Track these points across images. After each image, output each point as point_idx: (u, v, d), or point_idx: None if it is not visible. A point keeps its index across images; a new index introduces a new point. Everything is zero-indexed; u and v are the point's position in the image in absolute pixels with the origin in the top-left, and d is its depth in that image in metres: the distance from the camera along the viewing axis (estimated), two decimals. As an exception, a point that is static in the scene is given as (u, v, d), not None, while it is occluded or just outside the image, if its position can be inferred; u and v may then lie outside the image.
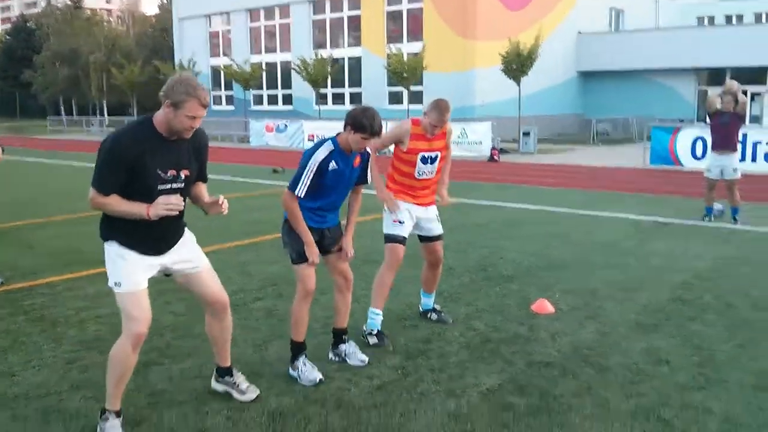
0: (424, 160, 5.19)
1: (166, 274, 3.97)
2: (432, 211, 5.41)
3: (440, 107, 5.11)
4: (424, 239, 5.47)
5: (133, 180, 3.50)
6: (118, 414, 3.73)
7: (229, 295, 6.23)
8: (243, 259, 7.86)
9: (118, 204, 3.56)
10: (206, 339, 5.10)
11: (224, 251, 8.27)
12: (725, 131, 10.01)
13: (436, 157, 5.23)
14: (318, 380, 4.35)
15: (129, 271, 3.67)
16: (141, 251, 3.70)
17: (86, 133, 44.45)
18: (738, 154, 10.22)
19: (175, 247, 3.86)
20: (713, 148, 10.26)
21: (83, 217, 10.75)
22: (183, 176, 3.70)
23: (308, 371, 4.41)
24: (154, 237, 3.72)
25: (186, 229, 3.98)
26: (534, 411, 3.94)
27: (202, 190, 4.02)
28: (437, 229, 5.42)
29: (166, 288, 6.52)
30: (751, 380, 4.35)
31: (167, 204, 3.54)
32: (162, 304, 6.06)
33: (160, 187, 3.59)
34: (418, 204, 5.30)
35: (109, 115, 56.52)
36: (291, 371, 4.47)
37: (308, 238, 4.38)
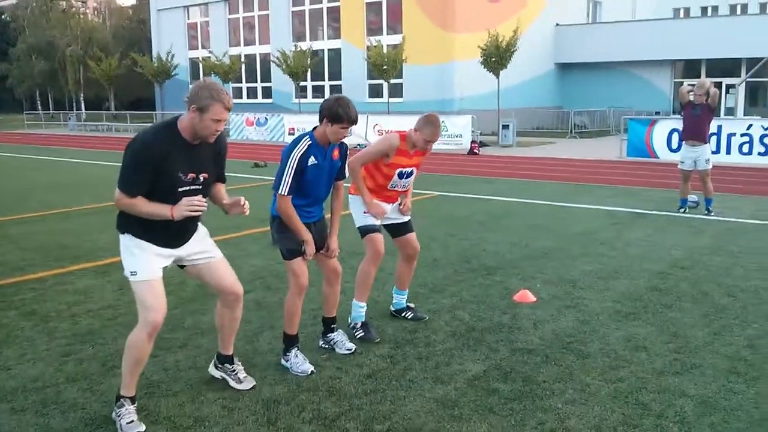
0: (401, 175, 5.16)
1: (180, 265, 4.10)
2: (396, 204, 5.38)
3: (434, 122, 5.03)
4: (395, 233, 5.43)
5: (155, 181, 3.63)
6: (132, 400, 3.85)
7: (219, 287, 6.36)
8: (227, 253, 7.83)
9: (143, 205, 3.68)
10: (197, 331, 5.24)
11: (210, 245, 8.35)
12: (696, 122, 10.24)
13: (412, 172, 5.21)
14: (310, 372, 4.48)
15: (145, 261, 3.78)
16: (157, 244, 3.82)
17: (64, 127, 44.03)
18: (709, 146, 10.44)
19: (189, 241, 4.00)
20: (684, 138, 10.49)
21: (65, 212, 10.78)
22: (202, 179, 3.83)
23: (300, 363, 4.54)
24: (171, 233, 3.84)
25: (199, 224, 4.12)
26: (518, 396, 4.10)
27: (221, 190, 4.18)
28: (404, 216, 5.37)
29: (156, 282, 6.62)
30: (725, 365, 4.54)
31: (191, 205, 3.67)
32: (152, 297, 6.15)
33: (180, 189, 3.71)
34: (383, 201, 5.29)
35: (86, 109, 56.03)
36: (283, 362, 4.60)
37: (307, 236, 4.49)
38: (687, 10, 52.61)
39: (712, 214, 10.18)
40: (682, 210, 10.50)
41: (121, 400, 3.82)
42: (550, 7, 34.93)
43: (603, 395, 4.11)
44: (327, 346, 4.91)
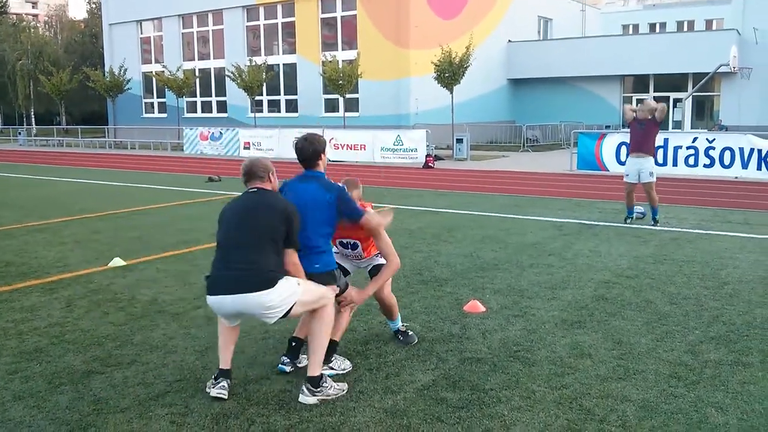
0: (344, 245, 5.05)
1: None
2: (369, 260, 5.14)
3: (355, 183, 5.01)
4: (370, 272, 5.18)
5: None
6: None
7: (169, 304, 6.37)
8: (180, 268, 7.90)
9: None
10: (146, 348, 5.19)
11: (160, 260, 8.29)
12: (642, 135, 10.52)
13: (356, 244, 4.99)
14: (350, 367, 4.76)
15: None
16: None
17: (13, 142, 43.08)
18: (653, 159, 10.70)
19: None
20: (630, 150, 10.78)
21: (10, 230, 10.57)
22: None
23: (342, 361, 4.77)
24: None
25: None
26: (466, 404, 4.17)
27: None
28: (374, 261, 5.10)
29: (104, 299, 6.56)
30: (666, 370, 4.69)
31: None
32: (100, 314, 6.09)
33: None
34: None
35: (37, 123, 54.92)
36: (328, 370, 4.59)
37: None
38: (636, 27, 54.11)
39: (658, 224, 10.46)
40: (629, 220, 10.77)
41: (323, 377, 4.28)
42: (503, 25, 35.54)
43: (548, 401, 4.20)
44: (289, 368, 4.78)
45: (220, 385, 4.29)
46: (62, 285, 7.14)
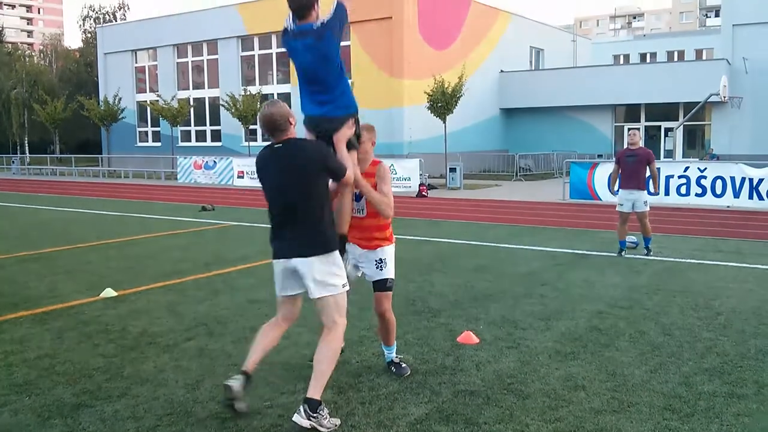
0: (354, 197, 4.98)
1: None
2: (374, 254, 5.11)
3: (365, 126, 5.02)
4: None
5: None
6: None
7: (159, 336, 6.32)
8: (170, 299, 7.85)
9: None
10: (137, 381, 5.14)
11: (151, 291, 8.24)
12: (632, 169, 10.57)
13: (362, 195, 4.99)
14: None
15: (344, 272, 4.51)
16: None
17: (7, 171, 43.03)
18: (646, 191, 10.73)
19: None
20: (622, 186, 10.76)
21: (0, 259, 10.51)
22: None
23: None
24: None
25: None
26: (459, 438, 4.13)
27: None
28: (376, 274, 5.11)
29: (94, 330, 6.51)
30: (661, 402, 4.66)
31: None
32: (91, 346, 6.03)
33: None
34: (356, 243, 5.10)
35: (30, 152, 54.93)
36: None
37: None
38: (626, 57, 54.76)
39: (651, 253, 10.48)
40: (623, 253, 10.71)
41: (321, 404, 4.21)
42: (495, 55, 35.90)
43: (542, 435, 4.17)
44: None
45: (236, 377, 4.35)
46: (53, 316, 7.08)
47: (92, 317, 7.03)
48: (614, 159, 11.18)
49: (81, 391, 4.95)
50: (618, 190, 10.81)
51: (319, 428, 4.17)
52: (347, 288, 4.49)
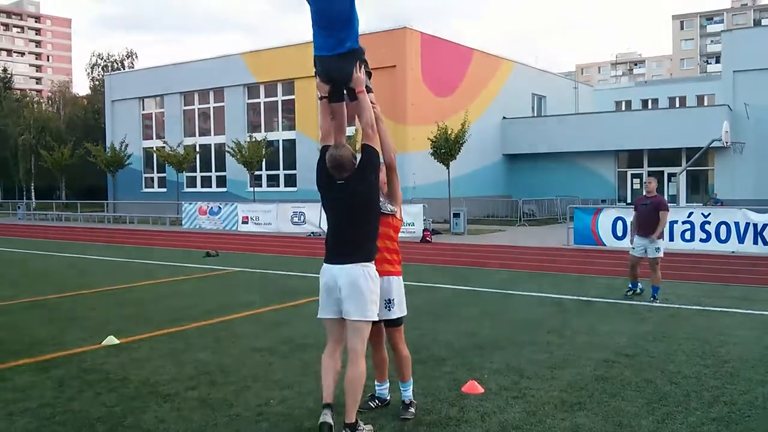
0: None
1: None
2: (382, 287, 5.20)
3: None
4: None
5: None
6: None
7: (161, 384, 6.27)
8: (173, 346, 7.81)
9: None
10: (138, 431, 5.08)
11: (154, 339, 8.20)
12: (646, 215, 10.76)
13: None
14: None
15: None
16: None
17: (13, 216, 43.25)
18: (661, 239, 10.84)
19: None
20: (637, 232, 10.97)
21: (4, 306, 10.50)
22: None
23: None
24: None
25: None
26: (464, 492, 4.06)
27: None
28: (385, 314, 5.28)
29: (96, 379, 6.46)
30: (668, 454, 4.59)
31: None
32: (92, 395, 5.98)
33: None
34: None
35: (37, 197, 55.26)
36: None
37: None
38: (628, 103, 55.25)
39: (657, 301, 10.43)
40: (631, 293, 10.77)
41: (359, 422, 4.84)
42: (497, 102, 36.28)
43: (548, 488, 4.09)
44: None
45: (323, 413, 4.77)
46: (55, 364, 7.04)
47: (94, 365, 6.99)
48: (634, 207, 11.35)
49: (81, 442, 4.89)
50: (634, 237, 11.04)
51: None
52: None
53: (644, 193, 11.21)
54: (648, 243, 10.70)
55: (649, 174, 33.44)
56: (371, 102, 5.12)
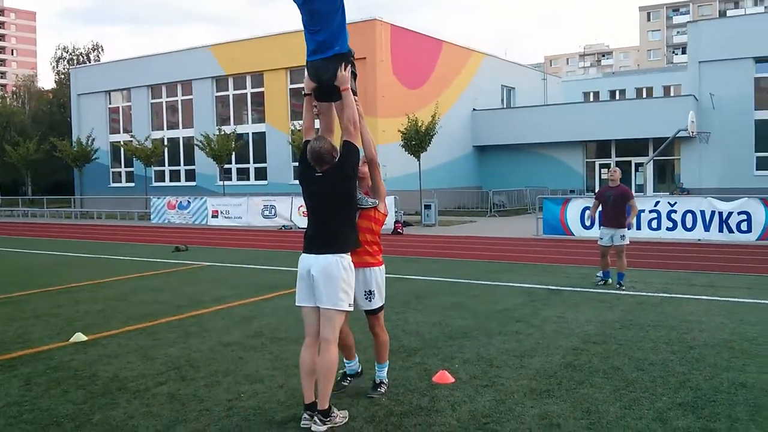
0: None
1: None
2: (362, 277, 5.51)
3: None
4: None
5: None
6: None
7: (130, 381, 6.21)
8: (142, 342, 7.73)
9: None
10: (106, 428, 5.03)
11: (122, 335, 8.11)
12: (612, 206, 10.96)
13: None
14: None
15: None
16: None
17: (-25, 212, 42.41)
18: (626, 228, 11.01)
19: None
20: (602, 223, 11.12)
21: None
22: None
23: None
24: None
25: None
26: (434, 481, 4.08)
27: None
28: (365, 304, 5.58)
29: (64, 376, 6.38)
30: (635, 439, 4.66)
31: None
32: (60, 393, 5.91)
33: None
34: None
35: (2, 194, 54.24)
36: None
37: None
38: (596, 94, 55.77)
39: (623, 288, 10.58)
40: (602, 282, 10.94)
41: (332, 408, 4.96)
42: (467, 94, 36.42)
43: (517, 476, 4.13)
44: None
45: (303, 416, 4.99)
46: (22, 362, 6.93)
47: (62, 363, 6.90)
48: (594, 195, 11.49)
49: (48, 440, 4.83)
50: (600, 227, 11.22)
51: (335, 426, 4.92)
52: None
53: (608, 183, 11.35)
54: (614, 232, 10.88)
55: (617, 164, 33.87)
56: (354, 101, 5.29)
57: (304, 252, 5.10)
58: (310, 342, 5.08)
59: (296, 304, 5.14)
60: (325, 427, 4.85)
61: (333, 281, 4.92)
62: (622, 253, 10.85)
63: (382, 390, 5.68)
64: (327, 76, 5.21)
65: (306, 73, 5.39)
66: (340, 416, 5.02)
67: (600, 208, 11.26)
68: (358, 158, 5.22)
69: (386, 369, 5.80)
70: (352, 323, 5.79)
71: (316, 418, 4.87)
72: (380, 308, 5.63)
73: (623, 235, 10.91)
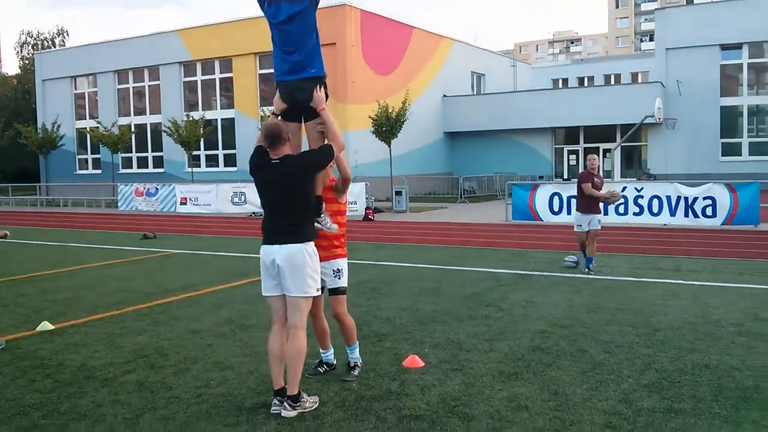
0: None
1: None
2: (331, 264, 5.63)
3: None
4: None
5: None
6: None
7: (98, 369, 6.15)
8: (109, 330, 7.66)
9: None
10: (74, 416, 4.98)
11: (90, 324, 8.02)
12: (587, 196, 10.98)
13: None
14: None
15: None
16: None
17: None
18: (601, 213, 11.16)
19: None
20: (578, 208, 11.22)
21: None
22: None
23: None
24: None
25: None
26: (404, 464, 4.12)
27: None
28: (334, 282, 5.66)
29: (30, 365, 6.30)
30: (601, 420, 4.74)
31: None
32: (26, 382, 5.84)
33: None
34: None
35: (-36, 182, 53.12)
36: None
37: None
38: (565, 81, 56.19)
39: (591, 272, 10.71)
40: (587, 269, 10.99)
41: (302, 393, 4.97)
42: (438, 80, 36.41)
43: (486, 457, 4.18)
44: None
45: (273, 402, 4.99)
46: (-16, 353, 6.83)
47: (28, 352, 6.81)
48: (581, 179, 11.39)
49: (16, 430, 4.78)
50: (577, 213, 11.35)
51: (305, 411, 4.93)
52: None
53: (588, 170, 11.29)
54: (591, 217, 11.01)
55: (585, 150, 34.21)
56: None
57: (265, 244, 5.05)
58: (277, 329, 5.07)
59: (263, 294, 5.12)
60: (294, 413, 4.87)
61: (299, 270, 4.91)
62: (595, 238, 10.98)
63: (356, 372, 5.79)
64: (303, 97, 5.21)
65: (277, 93, 5.33)
66: (311, 401, 5.05)
67: (578, 193, 11.28)
68: (326, 162, 5.15)
69: (357, 350, 5.89)
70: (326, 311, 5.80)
71: (285, 403, 4.89)
72: (345, 290, 5.72)
73: (599, 220, 11.06)
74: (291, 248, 4.91)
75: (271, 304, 5.11)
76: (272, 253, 4.96)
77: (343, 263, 5.72)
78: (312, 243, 5.05)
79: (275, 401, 4.97)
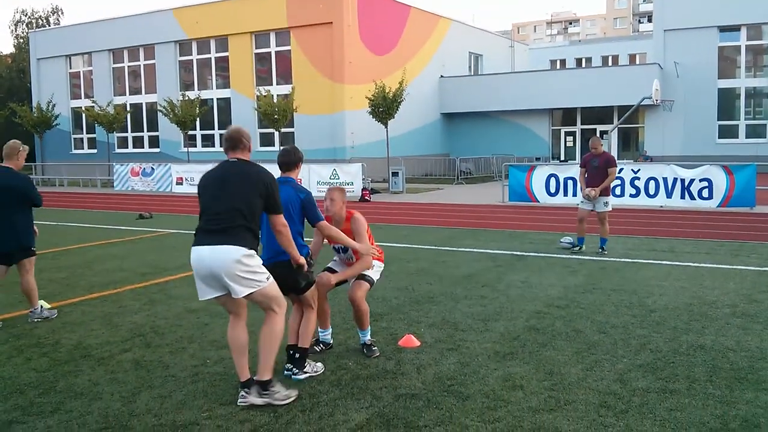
0: (337, 250, 6.05)
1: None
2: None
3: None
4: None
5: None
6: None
7: (94, 348, 6.17)
8: (106, 310, 7.66)
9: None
10: (71, 395, 5.00)
11: (86, 303, 8.03)
12: (596, 173, 10.94)
13: (346, 248, 5.83)
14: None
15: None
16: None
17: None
18: (609, 196, 11.12)
19: None
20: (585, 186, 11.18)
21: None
22: None
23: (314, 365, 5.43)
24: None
25: None
26: (400, 442, 4.14)
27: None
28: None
29: (27, 344, 6.31)
30: (596, 399, 4.77)
31: None
32: (23, 360, 5.85)
33: None
34: None
35: (-42, 161, 52.83)
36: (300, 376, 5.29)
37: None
38: (563, 62, 55.97)
39: (605, 253, 10.74)
40: (577, 248, 11.04)
41: (273, 380, 4.75)
42: (435, 60, 36.24)
43: (481, 436, 4.21)
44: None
45: (240, 395, 4.77)
46: (-21, 332, 6.83)
47: (25, 331, 6.82)
48: (580, 163, 11.47)
49: (12, 408, 4.79)
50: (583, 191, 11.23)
51: (274, 402, 4.68)
52: (270, 280, 4.85)
53: (591, 151, 11.22)
54: (598, 198, 10.94)
55: (584, 132, 34.16)
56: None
57: (195, 245, 4.69)
58: (234, 320, 4.87)
59: (200, 298, 4.83)
60: (262, 401, 4.68)
61: (238, 273, 4.55)
62: (605, 219, 10.98)
63: (375, 348, 5.90)
64: (291, 283, 5.27)
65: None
66: (284, 394, 4.78)
67: (585, 175, 11.25)
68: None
69: (369, 332, 5.98)
70: (332, 295, 5.85)
71: (253, 391, 4.70)
72: (371, 279, 5.87)
73: (606, 202, 10.97)
74: (227, 250, 4.57)
75: (217, 302, 4.95)
76: (203, 256, 4.67)
77: (377, 263, 5.98)
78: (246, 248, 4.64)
79: (242, 393, 4.75)
